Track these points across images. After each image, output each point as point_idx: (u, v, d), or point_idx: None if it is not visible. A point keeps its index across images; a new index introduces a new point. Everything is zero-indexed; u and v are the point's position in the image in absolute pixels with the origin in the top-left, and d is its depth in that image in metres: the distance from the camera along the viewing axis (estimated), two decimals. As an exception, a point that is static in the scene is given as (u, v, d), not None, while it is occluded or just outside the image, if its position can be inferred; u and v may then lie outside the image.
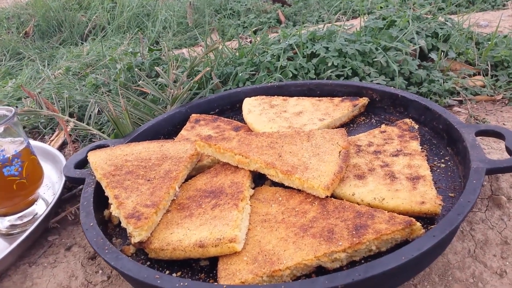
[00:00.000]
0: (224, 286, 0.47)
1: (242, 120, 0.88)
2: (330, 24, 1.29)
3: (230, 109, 0.93)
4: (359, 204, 0.57)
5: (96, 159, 0.70)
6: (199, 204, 0.61)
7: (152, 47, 1.53)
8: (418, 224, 0.52)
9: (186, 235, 0.55)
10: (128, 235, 0.57)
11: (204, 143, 0.69)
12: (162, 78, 0.97)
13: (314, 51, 1.09)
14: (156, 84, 1.06)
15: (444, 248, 0.55)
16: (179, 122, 0.88)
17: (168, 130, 0.86)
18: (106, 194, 0.65)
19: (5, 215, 0.69)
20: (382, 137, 0.70)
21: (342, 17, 2.16)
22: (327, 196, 0.58)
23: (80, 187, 0.78)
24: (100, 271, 0.61)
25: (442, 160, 0.67)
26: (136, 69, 1.18)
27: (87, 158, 0.72)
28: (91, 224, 0.58)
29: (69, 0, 2.72)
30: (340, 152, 0.64)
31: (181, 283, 0.46)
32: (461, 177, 0.63)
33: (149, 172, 0.66)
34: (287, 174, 0.61)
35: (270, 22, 2.23)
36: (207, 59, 1.08)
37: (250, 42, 1.55)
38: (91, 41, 2.37)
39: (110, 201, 0.63)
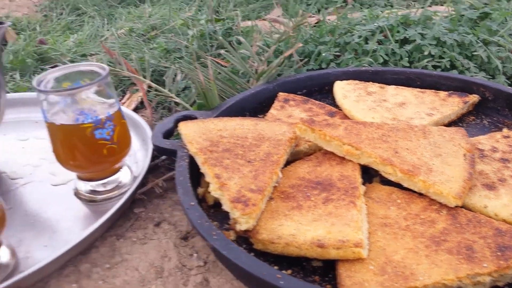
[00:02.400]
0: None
1: (332, 104, 0.81)
2: (423, 8, 1.19)
3: (318, 91, 0.86)
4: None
5: (189, 131, 0.65)
6: (306, 196, 0.55)
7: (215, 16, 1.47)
8: None
9: (298, 230, 0.50)
10: (231, 220, 0.53)
11: (306, 127, 0.63)
12: (244, 49, 0.91)
13: (408, 37, 1.01)
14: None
15: None
16: (265, 100, 0.82)
17: (254, 107, 0.81)
18: (201, 170, 0.60)
19: (90, 180, 0.65)
20: (507, 143, 0.63)
21: (413, 4, 2.04)
22: (456, 206, 0.52)
23: (162, 157, 0.74)
24: (195, 255, 0.56)
25: None
26: (211, 37, 1.12)
27: (178, 129, 0.67)
28: (192, 203, 0.53)
29: (129, -42, 2.66)
30: (464, 155, 0.58)
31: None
32: None
33: (248, 153, 0.61)
34: (409, 174, 0.54)
35: (336, 1, 2.12)
36: (296, 34, 1.01)
37: (318, 21, 1.46)
38: (149, 3, 2.32)
39: (207, 179, 0.58)
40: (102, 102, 0.61)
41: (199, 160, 0.60)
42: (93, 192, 0.66)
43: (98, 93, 0.59)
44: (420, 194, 0.54)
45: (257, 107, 0.81)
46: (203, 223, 0.51)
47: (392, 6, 2.01)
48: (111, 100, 0.62)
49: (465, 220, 0.50)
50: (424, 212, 0.52)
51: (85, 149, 0.60)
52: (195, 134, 0.64)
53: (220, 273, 0.54)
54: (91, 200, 0.66)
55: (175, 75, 0.90)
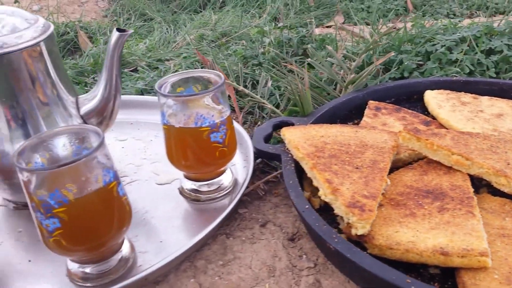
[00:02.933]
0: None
1: (422, 113, 0.81)
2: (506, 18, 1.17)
3: (406, 100, 0.87)
4: None
5: (293, 136, 0.67)
6: (418, 204, 0.56)
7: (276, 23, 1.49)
8: None
9: (417, 237, 0.51)
10: (343, 225, 0.54)
11: (411, 136, 0.64)
12: (331, 57, 0.92)
13: (493, 47, 0.99)
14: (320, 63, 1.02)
15: None
16: (355, 107, 0.83)
17: (344, 114, 0.82)
18: (308, 175, 0.62)
19: (196, 180, 0.68)
20: None
21: (477, 13, 2.00)
22: None
23: (258, 160, 0.77)
24: (304, 256, 0.58)
25: None
26: (287, 45, 1.14)
27: (281, 134, 0.69)
28: (306, 206, 0.55)
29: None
30: None
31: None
32: None
33: (353, 159, 0.62)
34: (525, 186, 0.54)
35: (398, 9, 2.10)
36: (383, 41, 1.01)
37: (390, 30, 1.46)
38: (210, 10, 2.38)
39: (316, 184, 0.60)
40: (213, 108, 0.64)
41: (307, 165, 0.62)
42: (197, 191, 0.69)
43: (212, 99, 0.62)
44: (537, 207, 0.54)
45: (347, 114, 0.82)
46: (321, 226, 0.52)
47: (454, 14, 1.98)
48: (222, 106, 0.65)
49: None
50: (544, 224, 0.52)
51: (199, 151, 0.63)
52: (300, 139, 0.66)
53: (332, 275, 0.55)
54: (195, 199, 0.69)
55: (266, 82, 0.92)
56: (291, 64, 1.05)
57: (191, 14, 2.35)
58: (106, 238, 0.52)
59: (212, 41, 1.62)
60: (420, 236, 0.51)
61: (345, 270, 0.54)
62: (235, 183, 0.71)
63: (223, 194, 0.69)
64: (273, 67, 1.11)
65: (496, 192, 0.58)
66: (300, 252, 0.59)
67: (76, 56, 1.61)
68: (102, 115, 0.69)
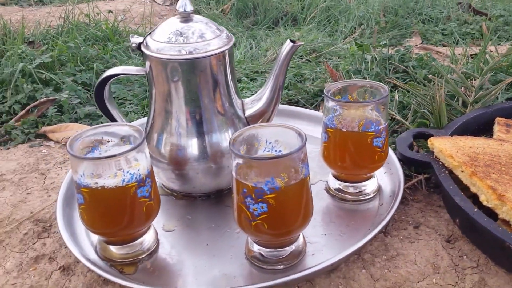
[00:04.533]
0: None
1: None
2: None
3: (532, 119, 0.90)
4: None
5: (444, 146, 0.71)
6: None
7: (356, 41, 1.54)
8: None
9: None
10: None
11: None
12: (454, 75, 0.97)
13: None
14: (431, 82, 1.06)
15: None
16: (483, 123, 0.87)
17: (474, 129, 0.86)
18: (465, 182, 0.66)
19: (345, 181, 0.74)
20: None
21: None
22: None
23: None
24: (465, 257, 0.62)
25: None
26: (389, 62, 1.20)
27: (430, 143, 0.74)
28: (475, 209, 0.60)
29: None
30: None
31: None
32: None
33: (508, 170, 0.66)
34: None
35: (474, 33, 2.12)
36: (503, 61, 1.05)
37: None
38: (282, 26, 2.47)
39: (475, 190, 0.64)
40: (376, 116, 0.69)
41: (463, 172, 0.66)
42: (342, 191, 0.74)
43: (378, 107, 0.68)
44: None
45: (476, 129, 0.86)
46: (496, 228, 0.56)
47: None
48: (381, 114, 0.70)
49: None
50: None
51: (360, 154, 0.69)
52: (452, 149, 0.70)
53: (497, 275, 0.59)
54: (342, 199, 0.74)
55: (392, 95, 0.98)
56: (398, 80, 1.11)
57: (265, 30, 2.43)
58: (295, 226, 0.58)
59: (301, 56, 1.69)
60: None
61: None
62: (379, 188, 0.76)
63: (370, 197, 0.74)
64: (380, 80, 1.17)
65: None
66: (460, 253, 0.63)
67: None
68: (262, 117, 0.75)
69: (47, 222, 0.74)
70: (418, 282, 0.59)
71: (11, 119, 1.11)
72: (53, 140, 1.04)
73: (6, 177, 0.88)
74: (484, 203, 0.62)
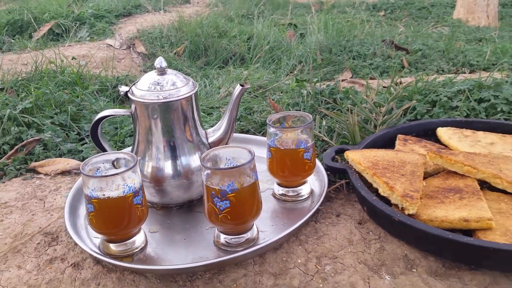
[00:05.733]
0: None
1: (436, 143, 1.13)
2: (490, 75, 1.52)
3: (423, 135, 1.19)
4: None
5: (354, 156, 0.98)
6: (445, 196, 0.87)
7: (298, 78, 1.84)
8: None
9: (448, 212, 0.81)
10: (400, 209, 0.84)
11: (436, 155, 0.96)
12: (367, 103, 1.25)
13: (483, 97, 1.34)
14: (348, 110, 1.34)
15: None
16: (388, 139, 1.15)
17: (381, 144, 1.14)
18: (369, 181, 0.93)
19: (285, 186, 0.98)
20: None
21: (462, 69, 2.37)
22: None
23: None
24: (370, 232, 0.88)
25: None
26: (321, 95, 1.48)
27: (346, 155, 1.00)
28: (374, 198, 0.86)
29: (212, 29, 3.12)
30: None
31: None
32: None
33: (399, 170, 0.93)
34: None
35: (396, 66, 2.47)
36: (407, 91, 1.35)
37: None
38: (231, 65, 2.75)
39: (376, 185, 0.90)
40: (304, 136, 0.95)
41: (368, 173, 0.93)
42: (283, 195, 0.99)
43: (305, 130, 0.94)
44: (521, 196, 0.85)
45: (382, 144, 1.14)
46: (387, 208, 0.83)
47: (443, 70, 2.36)
48: (308, 135, 0.95)
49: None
50: (525, 205, 0.83)
51: (295, 165, 0.94)
52: (360, 158, 0.97)
53: (392, 242, 0.85)
54: (284, 200, 0.99)
55: (321, 121, 1.25)
56: (327, 110, 1.39)
57: (216, 70, 2.70)
58: (250, 216, 0.81)
59: (249, 92, 1.95)
60: (449, 212, 0.81)
61: (402, 235, 0.83)
62: (312, 190, 1.01)
63: (305, 197, 0.99)
64: (312, 113, 1.44)
65: (493, 189, 0.89)
66: (367, 230, 0.89)
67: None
68: (221, 143, 0.99)
69: (54, 234, 0.93)
70: (338, 251, 0.84)
71: (1, 157, 1.29)
72: (42, 173, 1.22)
73: (10, 203, 1.06)
74: (382, 194, 0.88)
